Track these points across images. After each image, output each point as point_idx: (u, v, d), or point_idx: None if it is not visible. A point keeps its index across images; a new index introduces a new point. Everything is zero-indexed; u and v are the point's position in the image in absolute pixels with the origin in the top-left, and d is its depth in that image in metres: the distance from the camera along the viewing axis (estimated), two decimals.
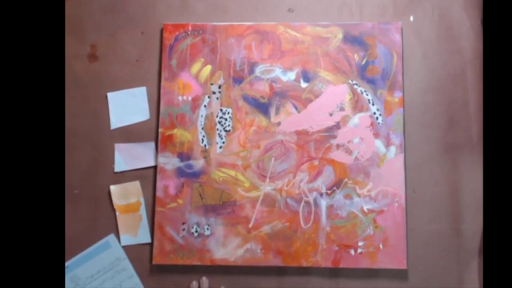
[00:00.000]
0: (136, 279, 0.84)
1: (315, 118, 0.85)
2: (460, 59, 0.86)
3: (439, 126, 0.85)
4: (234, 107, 0.86)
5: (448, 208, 0.83)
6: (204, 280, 0.81)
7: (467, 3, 0.87)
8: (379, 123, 0.84)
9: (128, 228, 0.85)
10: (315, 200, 0.83)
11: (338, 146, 0.84)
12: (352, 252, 0.81)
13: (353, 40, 0.86)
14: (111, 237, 0.85)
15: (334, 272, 0.83)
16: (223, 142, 0.85)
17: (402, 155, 0.83)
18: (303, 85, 0.85)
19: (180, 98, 0.86)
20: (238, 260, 0.82)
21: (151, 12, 0.90)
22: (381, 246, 0.81)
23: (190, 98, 0.86)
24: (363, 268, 0.81)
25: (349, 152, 0.84)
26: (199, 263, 0.82)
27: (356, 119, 0.84)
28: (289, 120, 0.85)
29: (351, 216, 0.82)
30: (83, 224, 0.85)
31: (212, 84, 0.86)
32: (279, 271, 0.83)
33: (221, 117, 0.85)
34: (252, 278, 0.83)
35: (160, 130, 0.85)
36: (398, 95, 0.84)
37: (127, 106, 0.88)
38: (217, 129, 0.85)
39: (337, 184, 0.83)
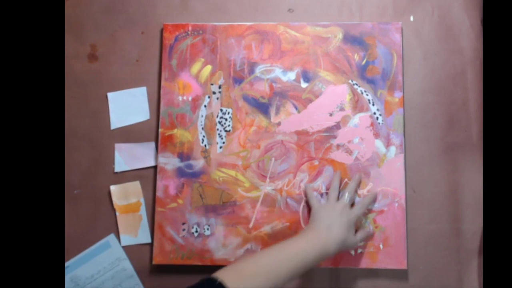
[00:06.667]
0: (136, 279, 0.84)
1: (315, 118, 0.84)
2: (460, 59, 0.86)
3: (439, 126, 0.85)
4: (234, 107, 0.85)
5: (448, 208, 0.83)
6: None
7: (467, 3, 0.87)
8: (379, 123, 0.84)
9: (128, 228, 0.85)
10: None
11: (338, 146, 0.84)
12: (352, 252, 0.81)
13: (353, 40, 0.86)
14: (111, 237, 0.85)
15: (334, 272, 0.83)
16: (223, 142, 0.85)
17: (402, 155, 0.83)
18: (303, 85, 0.85)
19: (180, 98, 0.86)
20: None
21: (151, 12, 0.90)
22: (381, 246, 0.81)
23: (190, 98, 0.86)
24: (363, 268, 0.81)
25: (349, 152, 0.83)
26: (199, 263, 0.82)
27: (356, 119, 0.84)
28: (289, 120, 0.85)
29: None
30: (83, 224, 0.85)
31: (212, 84, 0.86)
32: None
33: (221, 117, 0.85)
34: None
35: (160, 130, 0.85)
36: (398, 95, 0.84)
37: (127, 106, 0.88)
38: (217, 129, 0.85)
39: None
